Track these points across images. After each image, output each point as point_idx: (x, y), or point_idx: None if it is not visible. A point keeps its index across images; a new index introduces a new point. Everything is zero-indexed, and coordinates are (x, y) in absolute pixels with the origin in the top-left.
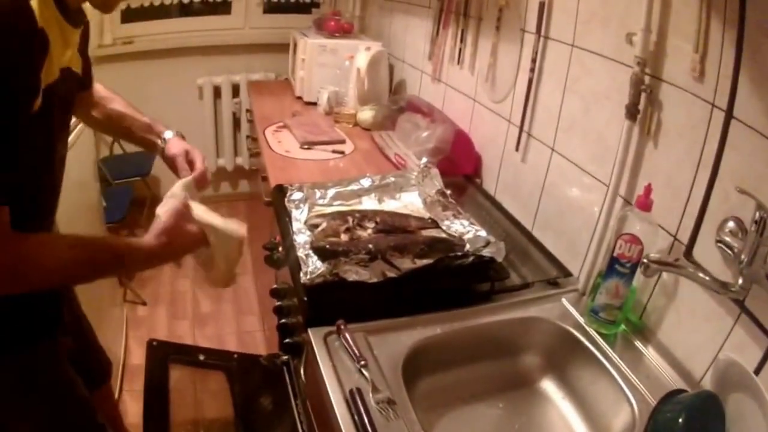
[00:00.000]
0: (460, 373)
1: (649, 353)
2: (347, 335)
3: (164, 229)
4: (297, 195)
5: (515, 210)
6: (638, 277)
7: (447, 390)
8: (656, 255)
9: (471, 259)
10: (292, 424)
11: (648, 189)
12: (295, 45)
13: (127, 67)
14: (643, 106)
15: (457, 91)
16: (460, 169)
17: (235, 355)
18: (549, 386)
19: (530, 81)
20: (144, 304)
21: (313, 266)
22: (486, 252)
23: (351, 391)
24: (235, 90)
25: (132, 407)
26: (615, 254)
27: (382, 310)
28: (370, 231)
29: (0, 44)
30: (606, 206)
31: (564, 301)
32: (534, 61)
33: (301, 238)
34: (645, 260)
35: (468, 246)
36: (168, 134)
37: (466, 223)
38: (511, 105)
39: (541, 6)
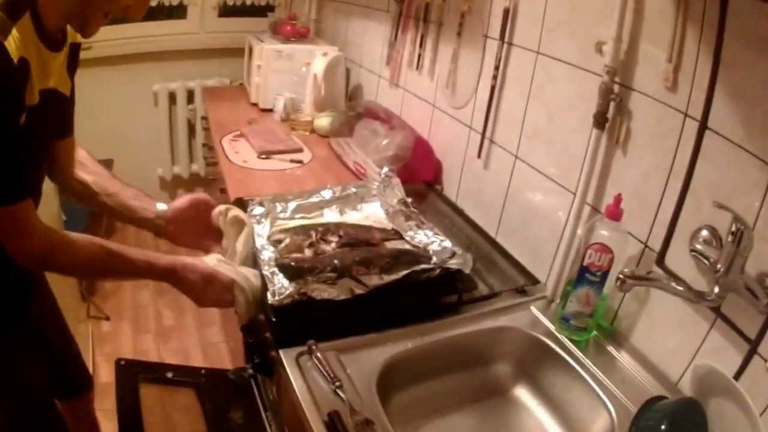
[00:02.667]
0: (433, 386)
1: (623, 358)
2: (319, 355)
3: (192, 272)
4: (258, 210)
5: (478, 217)
6: (609, 284)
7: (421, 403)
8: (631, 270)
9: (438, 271)
10: None
11: (618, 199)
12: (251, 50)
13: (83, 73)
14: (611, 114)
15: (416, 96)
16: (419, 176)
17: (203, 371)
18: (523, 394)
19: (493, 87)
20: (107, 318)
21: (280, 285)
22: (452, 263)
23: (330, 414)
24: (190, 96)
25: (104, 426)
26: (585, 263)
27: (352, 326)
28: (333, 245)
29: None
30: (573, 214)
31: (533, 308)
32: (497, 67)
33: (265, 254)
34: (620, 276)
35: (434, 258)
36: (161, 206)
37: (430, 233)
38: (472, 111)
39: (506, 12)
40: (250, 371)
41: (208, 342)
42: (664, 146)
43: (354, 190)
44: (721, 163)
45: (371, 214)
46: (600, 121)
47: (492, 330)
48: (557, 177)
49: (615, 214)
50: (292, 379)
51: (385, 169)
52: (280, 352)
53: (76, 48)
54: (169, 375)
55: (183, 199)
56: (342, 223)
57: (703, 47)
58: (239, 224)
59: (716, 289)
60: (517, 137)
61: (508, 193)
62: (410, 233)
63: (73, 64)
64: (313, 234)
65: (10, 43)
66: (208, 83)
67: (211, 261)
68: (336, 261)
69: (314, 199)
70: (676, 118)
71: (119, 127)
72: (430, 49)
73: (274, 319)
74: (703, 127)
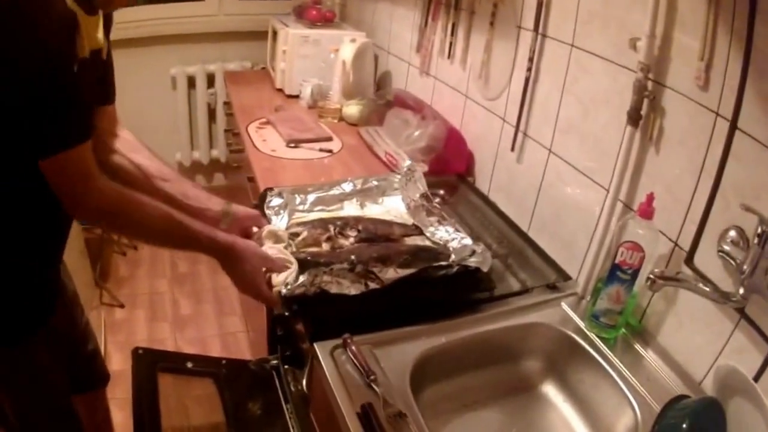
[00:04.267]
0: (463, 381)
1: (649, 356)
2: (354, 348)
3: (249, 251)
4: (276, 201)
5: (510, 211)
6: (639, 282)
7: (451, 398)
8: (660, 270)
9: (456, 269)
10: (284, 429)
11: (650, 197)
12: (275, 34)
13: None
14: (645, 111)
15: (447, 85)
16: (451, 168)
17: (224, 361)
18: (550, 390)
19: (527, 80)
20: (122, 306)
21: (295, 276)
22: (471, 261)
23: (363, 407)
24: (210, 80)
25: (115, 416)
26: (617, 261)
27: (376, 321)
28: (352, 240)
29: (50, 22)
30: (605, 210)
31: (564, 305)
32: (531, 59)
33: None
34: (651, 276)
35: (453, 255)
36: (227, 203)
37: (451, 230)
38: (505, 103)
39: (540, 3)
40: (273, 362)
41: (227, 332)
42: (695, 145)
43: (376, 183)
44: (750, 164)
45: (392, 208)
46: (634, 117)
47: (523, 326)
48: (590, 172)
49: (647, 212)
50: (327, 372)
51: (408, 162)
52: (315, 345)
53: (109, 14)
54: (189, 365)
55: (253, 210)
56: (361, 217)
57: (734, 45)
58: (274, 236)
59: (741, 290)
60: (551, 131)
61: (541, 188)
62: (431, 229)
63: (108, 27)
64: (332, 228)
65: None
66: (228, 67)
67: (272, 250)
68: (353, 256)
69: (334, 191)
70: (708, 117)
71: (136, 111)
72: (462, 38)
73: (294, 308)
74: (733, 127)
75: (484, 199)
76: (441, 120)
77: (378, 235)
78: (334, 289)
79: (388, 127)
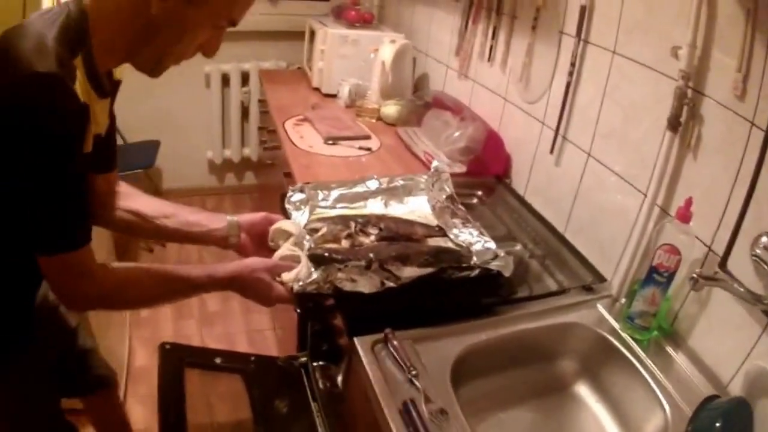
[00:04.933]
0: (498, 380)
1: (680, 358)
2: (396, 343)
3: (248, 270)
4: (298, 196)
5: (547, 213)
6: (673, 285)
7: (487, 396)
8: (702, 270)
9: (477, 272)
10: (311, 426)
11: (689, 202)
12: (312, 34)
13: None
14: (684, 118)
15: (486, 88)
16: (489, 170)
17: (252, 358)
18: (583, 390)
19: (568, 84)
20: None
21: (307, 272)
22: (494, 265)
23: (405, 403)
24: (244, 78)
25: (137, 412)
26: (654, 264)
27: (402, 320)
28: (372, 238)
29: (66, 122)
30: (643, 215)
31: (599, 306)
32: (573, 64)
33: (305, 243)
34: (694, 275)
35: (475, 258)
36: (230, 216)
37: (475, 232)
38: (545, 107)
39: (582, 10)
40: (302, 360)
41: (254, 329)
42: (731, 152)
43: (401, 182)
44: None
45: (417, 208)
46: (674, 124)
47: (560, 326)
48: (629, 177)
49: (685, 216)
50: (367, 367)
51: (436, 164)
52: (355, 340)
53: (117, 85)
54: (217, 360)
55: (257, 214)
56: (384, 215)
57: None
58: (285, 234)
59: None
60: (590, 135)
61: (579, 191)
62: (455, 231)
63: (113, 101)
64: (353, 225)
65: (75, 87)
66: (263, 65)
67: (279, 252)
68: (371, 254)
69: (359, 188)
70: (744, 126)
71: (168, 108)
72: (503, 42)
73: (302, 307)
74: (767, 137)
75: (521, 200)
76: (480, 122)
77: (399, 235)
78: (347, 287)
79: (426, 127)
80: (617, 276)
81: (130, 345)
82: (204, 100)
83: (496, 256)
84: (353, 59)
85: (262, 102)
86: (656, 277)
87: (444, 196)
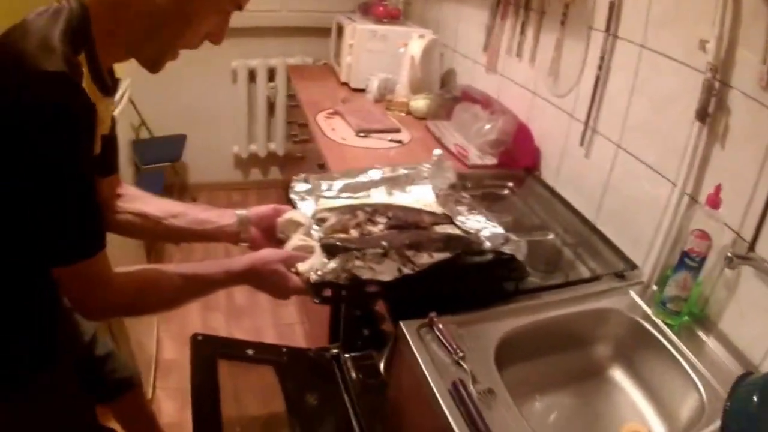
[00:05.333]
0: (536, 365)
1: (711, 342)
2: (441, 326)
3: (262, 263)
4: (302, 186)
5: (577, 204)
6: (704, 270)
7: (525, 381)
8: (735, 251)
9: (491, 256)
10: (345, 417)
11: (718, 188)
12: (340, 29)
13: None
14: (712, 109)
15: (515, 83)
16: (519, 162)
17: (284, 349)
18: (619, 375)
19: (597, 78)
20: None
21: (322, 262)
22: (506, 249)
23: (454, 383)
24: (271, 74)
25: (167, 406)
26: (686, 249)
27: (443, 304)
28: (381, 227)
29: (80, 122)
30: (673, 203)
31: (631, 292)
32: (602, 58)
33: (314, 233)
34: (729, 254)
35: (488, 243)
36: (240, 211)
37: (482, 219)
38: (574, 100)
39: (611, 5)
40: (333, 351)
41: (283, 322)
42: (758, 141)
43: (404, 171)
44: None
45: (420, 197)
46: (702, 115)
47: (594, 312)
48: (658, 167)
49: (715, 203)
50: (415, 350)
51: (437, 152)
52: (402, 324)
53: (117, 83)
54: (250, 352)
55: (266, 206)
56: (391, 204)
57: None
58: (295, 225)
59: None
60: (620, 127)
61: (609, 182)
62: (461, 218)
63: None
64: (360, 214)
65: (83, 86)
66: (290, 61)
67: (291, 243)
68: (384, 243)
69: (362, 178)
70: None
71: (195, 103)
72: (532, 37)
73: (319, 296)
74: None
75: (552, 191)
76: (510, 115)
77: (408, 223)
78: (366, 275)
79: (456, 120)
80: (648, 263)
81: (158, 338)
82: (230, 96)
83: (507, 240)
84: (381, 54)
85: (291, 96)
86: (688, 261)
87: (447, 185)
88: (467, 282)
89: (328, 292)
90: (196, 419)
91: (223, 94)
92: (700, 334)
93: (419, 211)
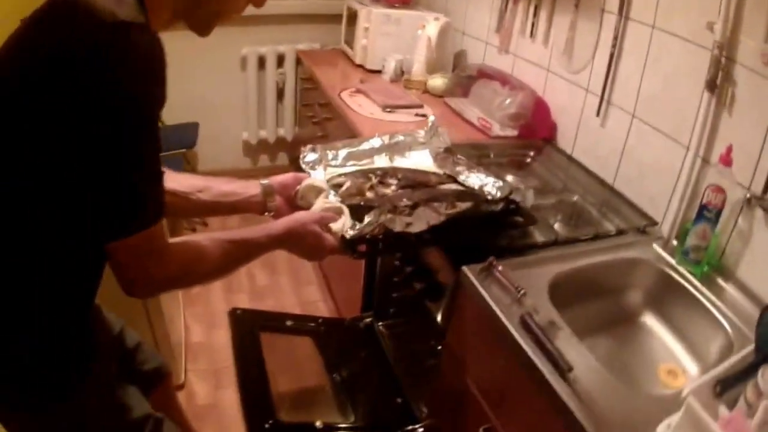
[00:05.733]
0: (575, 310)
1: (730, 288)
2: (501, 268)
3: (300, 224)
4: (311, 156)
5: (595, 170)
6: (719, 224)
7: (569, 325)
8: (754, 193)
9: (501, 205)
10: (384, 381)
11: (729, 148)
12: (352, 15)
13: (172, 36)
14: (720, 81)
15: (528, 61)
16: (538, 133)
17: (320, 320)
18: (650, 320)
19: (611, 56)
20: None
21: (352, 222)
22: (514, 197)
23: (522, 316)
24: (279, 60)
25: (200, 388)
26: (703, 202)
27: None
28: (393, 187)
29: (162, 71)
30: (687, 165)
31: (655, 246)
32: (616, 38)
33: (332, 198)
34: (748, 195)
35: (499, 192)
36: (263, 180)
37: (482, 176)
38: (589, 76)
39: None
40: (366, 320)
41: (306, 300)
42: (761, 109)
43: (402, 138)
44: None
45: (419, 161)
46: (711, 86)
47: (625, 260)
48: (672, 133)
49: (727, 161)
50: (482, 290)
51: (432, 118)
52: (464, 269)
53: None
54: (289, 323)
55: (287, 174)
56: (398, 167)
57: None
58: (315, 190)
59: None
60: (633, 99)
61: (625, 148)
62: (462, 177)
63: None
64: (373, 177)
65: None
66: (298, 47)
67: (318, 206)
68: (405, 199)
69: (364, 147)
70: None
71: (205, 91)
72: (545, 19)
73: (354, 251)
74: None
75: (570, 158)
76: (528, 90)
77: (417, 182)
78: (398, 228)
79: (474, 96)
80: (667, 220)
81: (185, 322)
82: (239, 83)
83: (513, 190)
84: (395, 37)
85: (305, 80)
86: (706, 214)
87: (442, 149)
88: (483, 231)
89: (363, 248)
90: (245, 395)
91: (232, 82)
92: (720, 281)
93: (425, 172)
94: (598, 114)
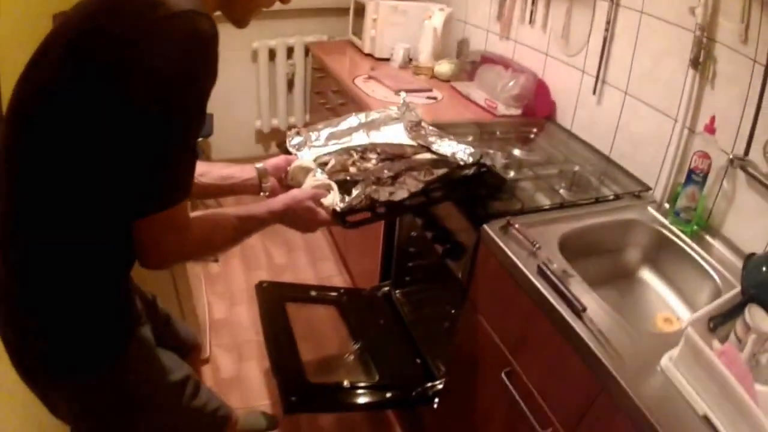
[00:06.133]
0: (580, 264)
1: (717, 244)
2: (518, 226)
3: (295, 201)
4: (297, 139)
5: (593, 143)
6: (706, 188)
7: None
8: (735, 155)
9: (473, 169)
10: (406, 344)
11: (713, 118)
12: (360, 7)
13: None
14: (702, 59)
15: (527, 47)
16: (539, 112)
17: (341, 290)
18: (647, 275)
19: (605, 39)
20: (216, 261)
21: (341, 197)
22: (484, 161)
23: (539, 266)
24: (289, 52)
25: (224, 362)
26: (691, 167)
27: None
28: (373, 161)
29: (216, 61)
30: (675, 135)
31: (649, 208)
32: (608, 22)
33: (317, 175)
34: (731, 156)
35: (470, 158)
36: (257, 164)
37: (453, 143)
38: (584, 58)
39: None
40: (384, 289)
41: (322, 276)
42: (740, 82)
43: (377, 115)
44: None
45: (393, 135)
46: (695, 63)
47: (623, 221)
48: (661, 107)
49: (711, 129)
50: (502, 245)
51: (404, 95)
52: (486, 227)
53: None
54: (312, 294)
55: (279, 157)
56: (376, 142)
57: (765, 11)
58: (305, 170)
59: None
60: (626, 78)
61: (620, 122)
62: (435, 146)
63: None
64: (354, 153)
65: None
66: (307, 39)
67: (308, 183)
68: (386, 170)
69: (343, 126)
70: (748, 63)
71: (219, 84)
72: (543, 6)
73: (344, 222)
74: (767, 69)
75: (570, 134)
76: (530, 73)
77: (395, 155)
78: (383, 197)
79: (480, 80)
80: (659, 186)
81: (208, 300)
82: (251, 75)
83: (483, 155)
84: (402, 27)
85: (316, 70)
86: (694, 177)
87: (414, 122)
88: (458, 194)
89: (353, 218)
90: (276, 361)
91: (244, 74)
92: (708, 238)
93: (401, 145)
94: (594, 92)
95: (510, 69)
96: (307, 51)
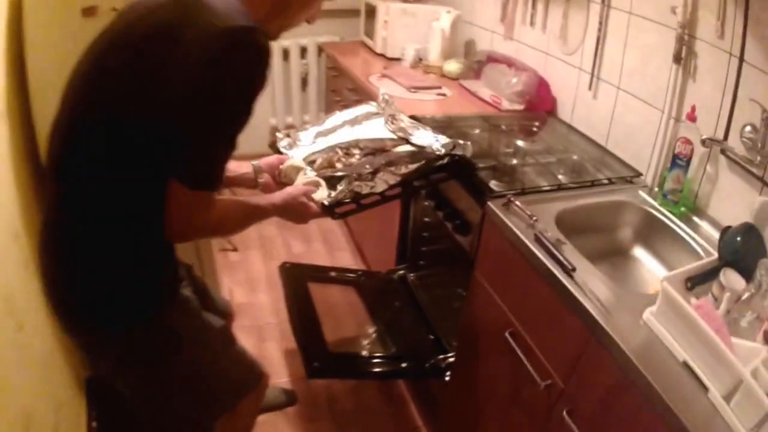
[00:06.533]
0: (577, 241)
1: (703, 224)
2: (518, 203)
3: (291, 197)
4: (285, 141)
5: (590, 134)
6: (690, 171)
7: (570, 255)
8: (710, 136)
9: (447, 159)
10: (420, 323)
11: (694, 107)
12: (371, 9)
13: None
14: (684, 54)
15: (529, 46)
16: (541, 107)
17: (360, 272)
18: (639, 253)
19: (598, 39)
20: (235, 250)
21: (328, 192)
22: (456, 152)
23: (536, 235)
24: (302, 52)
25: (246, 342)
26: (676, 152)
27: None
28: (357, 156)
29: (267, 71)
30: (663, 125)
31: (640, 192)
32: (601, 23)
33: (307, 173)
34: (705, 138)
35: (443, 149)
36: (253, 162)
37: (429, 133)
38: (581, 56)
39: None
40: (400, 272)
41: (342, 264)
42: (719, 74)
43: (359, 112)
44: (752, 83)
45: (374, 129)
46: (677, 58)
47: (616, 202)
48: (649, 100)
49: (692, 117)
50: (504, 218)
51: (383, 90)
52: (490, 203)
53: None
54: (333, 274)
55: (272, 156)
56: (359, 139)
57: (738, 11)
58: (296, 169)
59: (758, 158)
60: (618, 74)
61: (613, 115)
62: (413, 138)
63: None
64: (339, 150)
65: None
66: (319, 40)
67: (299, 181)
68: (368, 165)
69: (327, 124)
70: (725, 55)
71: None
72: (542, 9)
73: (333, 214)
74: (741, 60)
75: (569, 126)
76: (532, 71)
77: (376, 149)
78: (365, 190)
79: (485, 78)
80: (649, 172)
81: (229, 287)
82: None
83: (455, 145)
84: (411, 28)
85: (331, 69)
86: (678, 162)
87: (392, 115)
88: (434, 181)
89: (341, 209)
90: (300, 334)
91: None
92: (695, 219)
93: (382, 139)
94: (590, 88)
95: (513, 67)
96: (320, 51)
